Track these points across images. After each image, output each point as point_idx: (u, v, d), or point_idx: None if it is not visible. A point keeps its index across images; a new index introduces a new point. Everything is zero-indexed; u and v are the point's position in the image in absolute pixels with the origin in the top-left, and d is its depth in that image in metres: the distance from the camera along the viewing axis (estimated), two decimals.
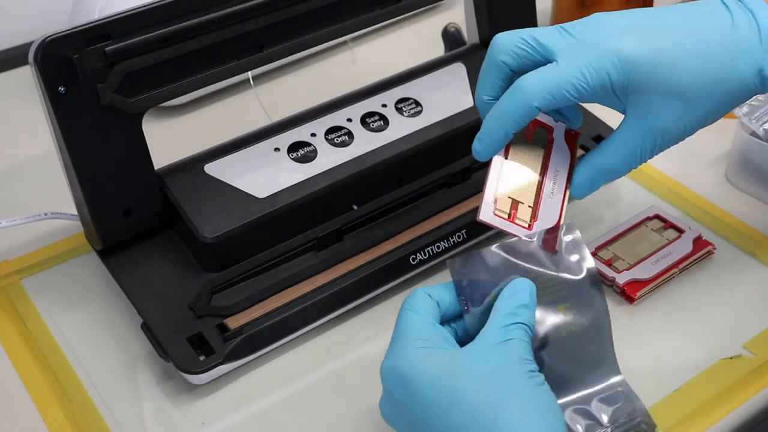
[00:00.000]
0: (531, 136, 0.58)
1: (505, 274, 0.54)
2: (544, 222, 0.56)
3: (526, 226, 0.56)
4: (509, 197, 0.56)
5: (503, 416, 0.47)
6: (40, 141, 0.72)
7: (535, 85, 0.53)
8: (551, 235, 0.55)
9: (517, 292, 0.52)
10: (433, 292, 0.53)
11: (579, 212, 0.74)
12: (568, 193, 0.57)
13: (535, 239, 0.55)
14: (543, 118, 0.59)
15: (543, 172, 0.57)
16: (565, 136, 0.59)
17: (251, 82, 0.87)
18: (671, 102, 0.54)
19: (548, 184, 0.57)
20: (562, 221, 0.57)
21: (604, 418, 0.55)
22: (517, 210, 0.56)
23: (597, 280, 0.55)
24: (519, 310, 0.51)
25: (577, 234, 0.56)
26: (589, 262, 0.55)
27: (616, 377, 0.56)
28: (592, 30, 0.54)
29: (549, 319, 0.54)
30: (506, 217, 0.56)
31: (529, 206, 0.56)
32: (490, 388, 0.48)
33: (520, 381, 0.48)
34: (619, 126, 0.56)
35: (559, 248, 0.55)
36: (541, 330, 0.53)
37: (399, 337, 0.51)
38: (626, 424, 0.55)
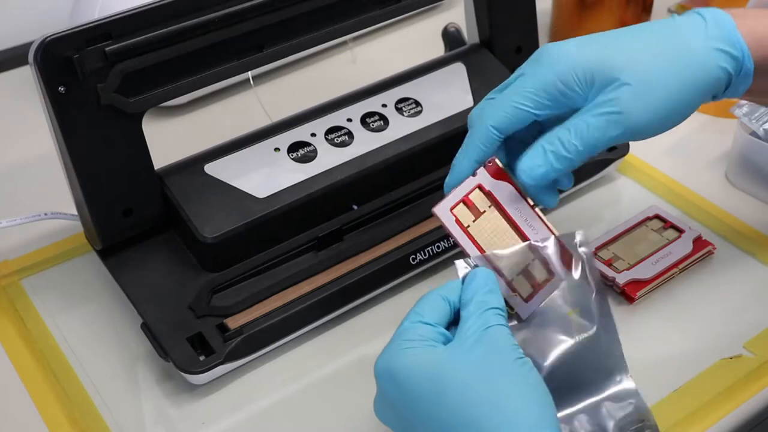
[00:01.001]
0: (476, 211, 0.56)
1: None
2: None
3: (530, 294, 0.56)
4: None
5: (499, 408, 0.47)
6: (40, 141, 0.72)
7: (488, 107, 0.55)
8: (564, 255, 0.55)
9: (478, 279, 0.52)
10: (445, 292, 0.53)
11: (579, 212, 0.74)
12: (537, 208, 0.56)
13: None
14: (468, 184, 0.56)
15: (511, 222, 0.56)
16: (492, 176, 0.56)
17: (251, 82, 0.87)
18: (627, 89, 0.53)
19: (524, 226, 0.56)
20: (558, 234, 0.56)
21: (611, 426, 0.55)
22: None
23: (603, 289, 0.56)
24: (486, 296, 0.51)
25: (585, 245, 0.56)
26: (596, 272, 0.56)
27: (628, 384, 0.56)
28: (540, 55, 0.55)
29: (559, 323, 0.54)
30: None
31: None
32: (479, 382, 0.47)
33: (509, 371, 0.48)
34: (575, 115, 0.55)
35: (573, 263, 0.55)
36: (552, 334, 0.54)
37: (393, 336, 0.52)
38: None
